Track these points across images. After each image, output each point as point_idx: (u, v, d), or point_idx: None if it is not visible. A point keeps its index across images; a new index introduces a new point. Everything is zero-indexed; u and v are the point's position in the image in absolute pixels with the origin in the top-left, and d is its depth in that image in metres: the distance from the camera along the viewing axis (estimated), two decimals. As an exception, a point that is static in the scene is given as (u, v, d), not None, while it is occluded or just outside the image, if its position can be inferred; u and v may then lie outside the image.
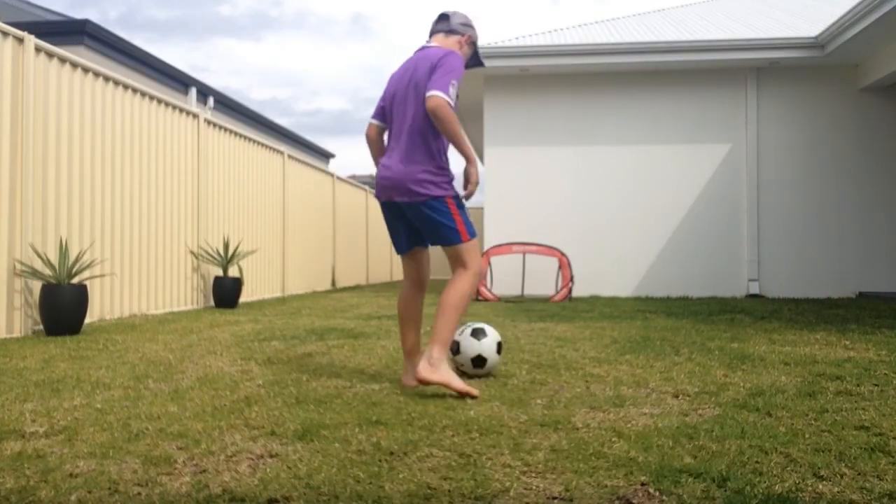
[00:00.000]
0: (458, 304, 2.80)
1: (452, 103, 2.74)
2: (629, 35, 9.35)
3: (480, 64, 3.19)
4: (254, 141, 8.92)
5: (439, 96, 2.70)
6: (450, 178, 2.89)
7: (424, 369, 2.68)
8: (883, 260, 8.90)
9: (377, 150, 3.10)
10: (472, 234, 2.87)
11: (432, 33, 3.08)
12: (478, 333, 3.08)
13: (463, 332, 3.12)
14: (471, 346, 3.05)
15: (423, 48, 2.97)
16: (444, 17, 3.06)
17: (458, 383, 2.66)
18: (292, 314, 6.51)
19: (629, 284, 9.27)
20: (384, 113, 3.04)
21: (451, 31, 3.04)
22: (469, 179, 2.84)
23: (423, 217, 2.84)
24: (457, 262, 2.86)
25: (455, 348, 3.09)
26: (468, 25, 3.07)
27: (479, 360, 3.05)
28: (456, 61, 2.81)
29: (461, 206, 2.88)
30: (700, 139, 9.25)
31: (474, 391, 2.66)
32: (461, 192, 2.88)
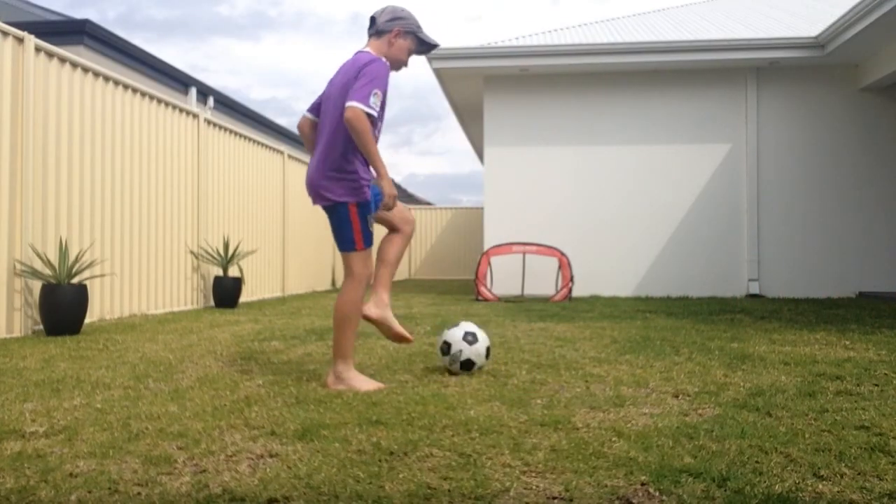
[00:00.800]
0: (348, 313, 2.90)
1: (375, 113, 2.78)
2: (629, 35, 9.35)
3: (429, 47, 3.12)
4: (254, 141, 8.92)
5: (356, 107, 2.73)
6: (359, 183, 2.88)
7: (332, 382, 2.88)
8: (883, 260, 8.90)
9: (309, 144, 3.12)
10: (368, 244, 2.93)
11: (369, 38, 3.05)
12: (468, 337, 3.14)
13: (455, 333, 3.17)
14: (465, 350, 3.12)
15: (356, 52, 2.98)
16: (372, 20, 3.04)
17: (364, 384, 2.84)
18: (292, 314, 6.51)
19: (629, 284, 9.27)
20: (318, 110, 3.07)
21: (379, 33, 3.01)
22: (383, 193, 2.86)
23: (330, 219, 2.95)
24: (346, 269, 2.95)
25: (445, 349, 3.16)
26: (396, 18, 3.01)
27: (468, 364, 3.14)
28: (378, 69, 2.82)
29: (364, 215, 2.90)
30: (700, 139, 9.25)
31: (381, 385, 2.87)
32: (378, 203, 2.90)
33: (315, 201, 2.97)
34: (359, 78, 2.80)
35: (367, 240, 2.93)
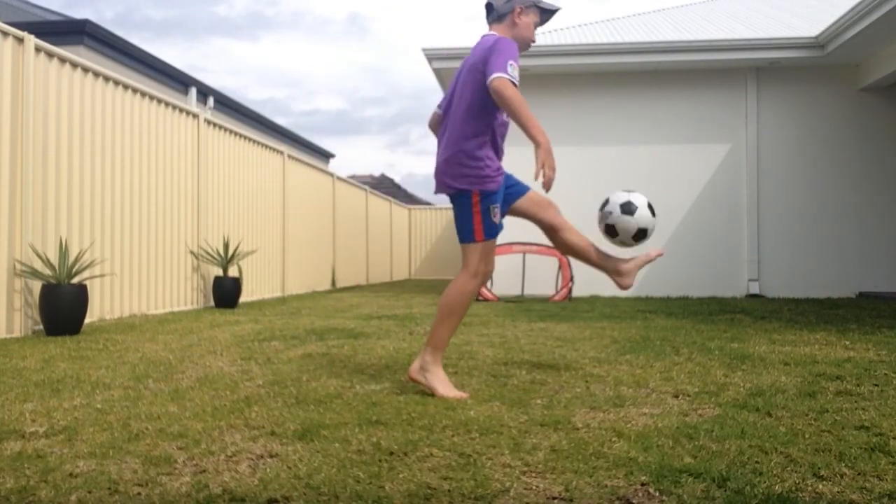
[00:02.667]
0: (454, 305, 2.79)
1: (515, 82, 2.68)
2: (629, 35, 9.35)
3: (552, 13, 3.06)
4: (254, 141, 8.92)
5: (500, 77, 2.64)
6: (484, 172, 2.80)
7: (415, 371, 2.79)
8: (883, 260, 8.90)
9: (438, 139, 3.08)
10: (490, 236, 2.83)
11: (489, 26, 3.02)
12: (628, 207, 3.00)
13: (612, 213, 3.03)
14: (628, 224, 3.00)
15: (482, 37, 2.94)
16: (489, 7, 3.01)
17: (444, 391, 2.69)
18: (292, 314, 6.51)
19: (629, 284, 9.26)
20: (447, 104, 3.01)
21: (500, 17, 2.97)
22: (539, 164, 2.66)
23: (455, 208, 2.88)
24: (463, 260, 2.87)
25: (610, 231, 3.06)
26: None
27: (641, 234, 3.02)
28: (508, 44, 2.75)
29: (487, 205, 2.80)
30: (700, 139, 9.25)
31: (463, 395, 2.69)
32: (538, 178, 2.71)
33: (438, 189, 2.92)
34: (491, 54, 2.73)
35: (489, 231, 2.82)
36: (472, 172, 2.81)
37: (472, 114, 2.81)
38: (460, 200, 2.84)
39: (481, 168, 2.82)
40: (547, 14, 3.05)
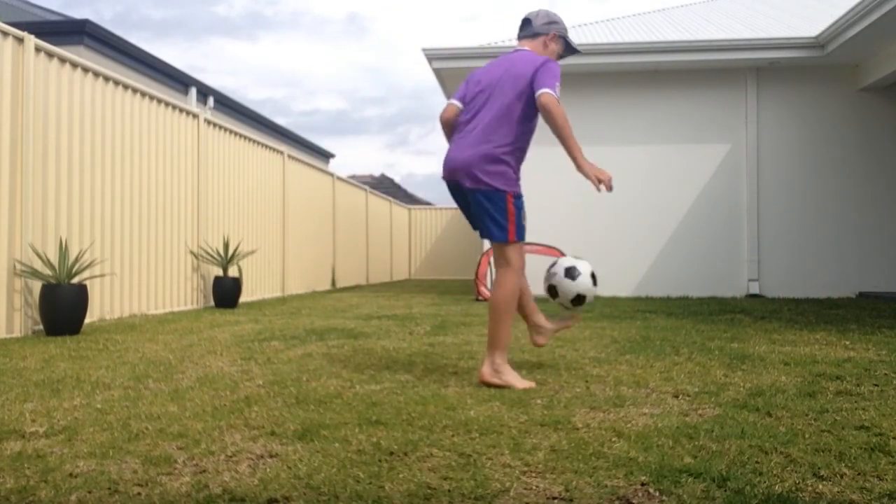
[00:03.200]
0: (508, 303, 2.93)
1: (559, 95, 2.87)
2: (629, 35, 9.35)
3: (573, 52, 3.26)
4: (254, 141, 8.92)
5: (550, 94, 2.82)
6: (515, 176, 2.96)
7: (488, 374, 2.88)
8: (883, 260, 8.90)
9: (452, 131, 3.16)
10: (521, 237, 2.96)
11: (519, 39, 3.18)
12: (571, 272, 3.17)
13: (556, 274, 3.21)
14: (568, 288, 3.17)
15: (518, 50, 3.10)
16: (526, 23, 3.17)
17: (520, 383, 2.84)
18: (292, 314, 6.51)
19: (629, 284, 9.27)
20: (464, 99, 3.12)
21: (535, 35, 3.14)
22: (593, 181, 2.84)
23: (479, 204, 2.95)
24: (502, 260, 2.97)
25: (553, 292, 3.22)
26: (552, 23, 3.15)
27: (579, 299, 3.18)
28: (555, 67, 2.94)
29: (519, 207, 2.95)
30: (700, 139, 9.25)
31: (532, 384, 2.87)
32: (600, 188, 2.89)
33: (465, 183, 2.96)
34: (539, 70, 2.90)
35: (521, 233, 2.96)
36: (508, 174, 2.93)
37: (514, 120, 2.93)
38: (493, 198, 2.91)
39: (514, 171, 2.96)
40: (569, 51, 3.23)
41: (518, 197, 2.96)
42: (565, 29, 3.19)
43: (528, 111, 2.95)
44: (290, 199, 10.08)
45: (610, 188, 2.86)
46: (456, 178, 2.99)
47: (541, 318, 3.26)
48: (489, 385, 2.86)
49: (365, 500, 1.59)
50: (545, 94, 2.82)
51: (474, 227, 3.09)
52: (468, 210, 3.09)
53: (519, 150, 2.99)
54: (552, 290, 3.23)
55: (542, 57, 2.99)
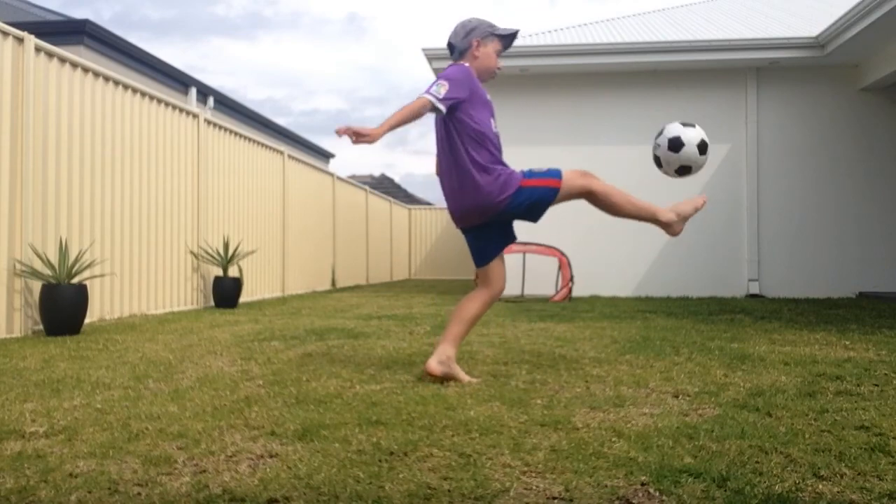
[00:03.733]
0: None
1: (438, 96, 2.82)
2: (629, 35, 9.35)
3: (511, 38, 3.15)
4: (254, 141, 8.93)
5: (420, 97, 2.81)
6: (500, 171, 2.91)
7: (433, 364, 2.89)
8: (883, 260, 8.90)
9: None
10: (558, 175, 2.93)
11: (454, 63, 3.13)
12: (677, 146, 3.00)
13: (660, 146, 3.04)
14: (672, 160, 3.02)
15: None
16: (451, 48, 3.13)
17: (464, 377, 2.90)
18: (292, 314, 6.51)
19: (629, 284, 9.27)
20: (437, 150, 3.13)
21: (461, 53, 3.10)
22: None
23: (513, 213, 2.96)
24: (577, 186, 2.96)
25: (656, 162, 3.11)
26: (468, 32, 3.06)
27: (683, 170, 3.02)
28: (450, 70, 2.94)
29: (531, 174, 2.93)
30: (700, 139, 9.24)
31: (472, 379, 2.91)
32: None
33: (480, 220, 2.97)
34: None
35: (554, 172, 2.96)
36: (503, 180, 2.89)
37: (458, 143, 2.90)
38: (514, 205, 2.90)
39: (497, 175, 2.90)
40: (507, 39, 3.12)
41: (526, 174, 2.94)
42: (488, 25, 3.07)
43: (455, 122, 2.92)
44: (290, 199, 10.08)
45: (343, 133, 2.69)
46: (473, 224, 3.00)
47: (451, 349, 2.95)
48: (433, 376, 2.88)
49: (365, 500, 1.59)
50: (417, 99, 2.84)
51: (486, 258, 3.03)
52: (489, 238, 3.05)
53: (487, 154, 2.92)
54: (657, 161, 3.09)
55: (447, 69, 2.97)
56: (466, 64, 3.00)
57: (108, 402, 2.58)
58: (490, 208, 2.92)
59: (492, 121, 3.01)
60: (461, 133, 2.92)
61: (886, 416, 2.33)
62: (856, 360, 3.50)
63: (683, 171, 3.03)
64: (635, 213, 2.99)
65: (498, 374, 3.17)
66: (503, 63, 9.81)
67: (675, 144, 2.99)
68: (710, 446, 1.99)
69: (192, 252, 7.21)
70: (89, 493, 1.64)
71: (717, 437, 2.08)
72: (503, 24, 3.20)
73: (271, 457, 1.91)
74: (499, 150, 3.00)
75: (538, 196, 2.92)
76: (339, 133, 2.70)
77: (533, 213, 2.99)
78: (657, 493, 1.62)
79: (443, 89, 2.83)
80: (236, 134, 8.40)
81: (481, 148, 2.92)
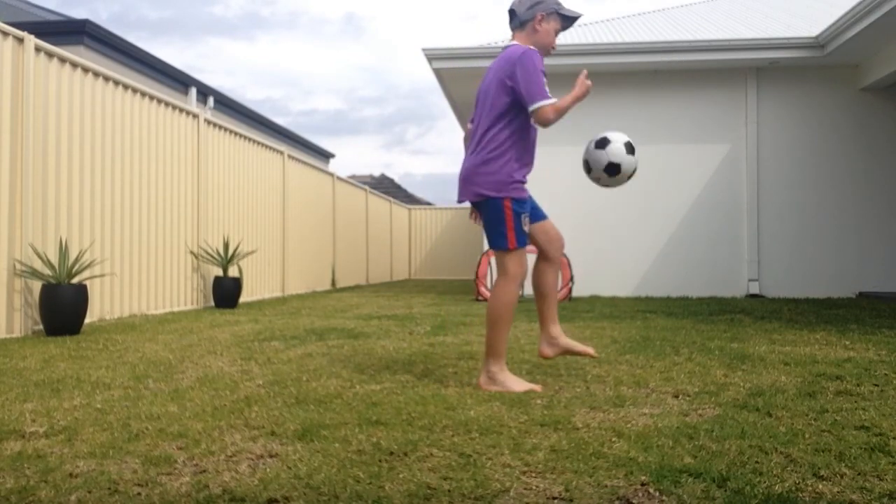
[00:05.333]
0: (501, 313, 2.88)
1: (554, 102, 2.80)
2: (629, 35, 9.35)
3: (572, 20, 3.06)
4: (254, 141, 8.92)
5: (541, 107, 2.78)
6: (512, 178, 2.87)
7: (484, 382, 2.86)
8: (883, 260, 8.90)
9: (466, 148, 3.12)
10: (521, 244, 2.89)
11: (512, 32, 3.06)
12: (602, 143, 2.99)
13: (587, 146, 3.04)
14: (599, 158, 2.99)
15: (507, 47, 3.00)
16: (512, 14, 3.03)
17: (519, 386, 2.80)
18: (292, 314, 6.51)
19: (629, 284, 9.27)
20: (475, 114, 3.08)
21: (522, 24, 3.00)
22: (582, 91, 2.83)
23: (483, 215, 2.95)
24: (500, 268, 2.92)
25: (585, 167, 3.05)
26: (535, 4, 2.98)
27: (612, 168, 2.97)
28: (532, 63, 2.83)
29: (518, 213, 2.88)
30: (700, 139, 9.25)
31: (536, 386, 2.83)
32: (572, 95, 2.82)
33: (464, 197, 2.97)
34: (520, 74, 2.82)
35: (521, 239, 2.89)
36: (502, 177, 2.86)
37: (501, 123, 2.88)
38: (491, 207, 2.88)
39: (510, 173, 2.87)
40: (568, 21, 3.05)
41: (518, 202, 2.88)
42: (554, 2, 2.99)
43: (514, 109, 2.88)
44: (290, 199, 10.08)
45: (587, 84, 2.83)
46: (464, 198, 2.98)
47: (556, 330, 3.06)
48: (488, 390, 2.84)
49: (365, 500, 1.59)
50: (537, 110, 2.79)
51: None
52: None
53: (514, 149, 2.89)
54: (586, 165, 3.06)
55: (520, 50, 2.87)
56: (532, 48, 2.90)
57: (108, 402, 2.58)
58: (469, 189, 2.91)
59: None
60: (512, 116, 2.88)
61: (886, 416, 2.33)
62: (856, 360, 3.50)
63: (612, 169, 2.97)
64: (488, 333, 2.91)
65: (498, 374, 3.16)
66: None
67: (602, 142, 3.00)
68: (710, 446, 1.99)
69: (192, 252, 7.21)
70: (89, 493, 1.64)
71: (717, 437, 2.08)
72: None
73: (271, 457, 1.91)
74: (529, 152, 2.97)
75: (496, 232, 2.89)
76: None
77: (487, 231, 2.94)
78: (657, 493, 1.62)
79: (545, 85, 2.83)
80: (236, 134, 8.40)
81: (514, 138, 2.89)
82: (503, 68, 2.89)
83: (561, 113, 2.80)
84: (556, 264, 3.06)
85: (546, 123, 2.80)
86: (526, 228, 2.92)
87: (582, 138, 9.40)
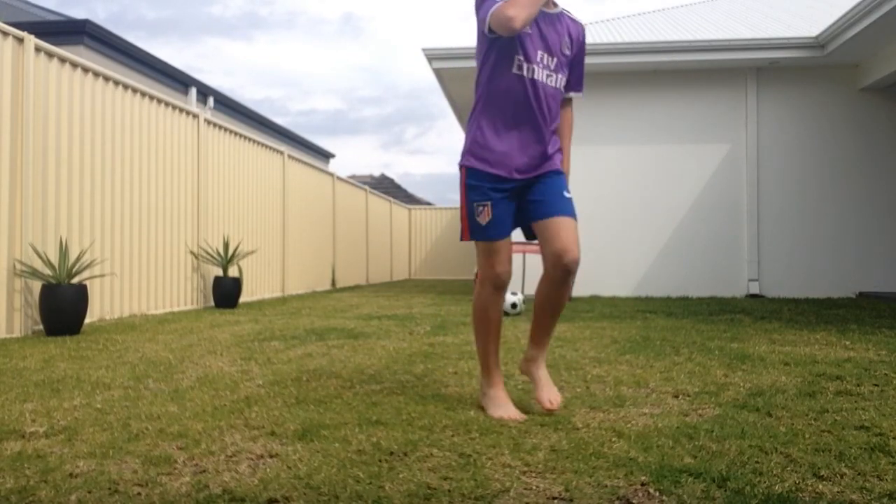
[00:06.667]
0: (475, 319, 2.51)
1: (490, 9, 2.26)
2: (629, 35, 9.35)
3: None
4: (254, 141, 8.92)
5: (491, 13, 2.25)
6: (474, 142, 2.40)
7: (481, 397, 2.52)
8: (883, 260, 8.90)
9: None
10: (479, 237, 2.40)
11: None
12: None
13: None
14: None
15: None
16: None
17: (495, 412, 2.37)
18: (292, 314, 6.51)
19: (629, 284, 9.27)
20: None
21: None
22: None
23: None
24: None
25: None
26: None
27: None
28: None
29: (472, 200, 2.37)
30: (700, 139, 9.25)
31: (518, 416, 2.35)
32: None
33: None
34: (476, 7, 2.36)
35: (477, 230, 2.36)
36: (467, 145, 2.40)
37: (479, 81, 2.43)
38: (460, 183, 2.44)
39: (474, 139, 2.38)
40: None
41: (474, 175, 2.35)
42: None
43: (486, 59, 2.37)
44: (290, 199, 10.08)
45: None
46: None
47: (535, 354, 2.53)
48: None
49: (365, 500, 1.59)
50: (489, 20, 2.25)
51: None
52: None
53: (487, 111, 2.37)
54: None
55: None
56: None
57: (108, 402, 2.58)
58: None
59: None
60: (483, 61, 2.42)
61: (886, 416, 2.33)
62: (856, 360, 3.50)
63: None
64: (477, 344, 2.53)
65: (498, 374, 3.16)
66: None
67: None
68: (710, 446, 1.99)
69: (192, 252, 7.21)
70: (89, 493, 1.64)
71: (717, 437, 2.08)
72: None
73: (271, 457, 1.91)
74: (512, 118, 2.39)
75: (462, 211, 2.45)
76: None
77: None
78: (657, 493, 1.62)
79: (489, 3, 2.31)
80: (236, 134, 8.40)
81: (487, 89, 2.41)
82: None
83: (520, 4, 2.16)
84: (552, 278, 2.40)
85: (509, 24, 2.17)
86: (480, 220, 2.36)
87: (581, 138, 9.42)
